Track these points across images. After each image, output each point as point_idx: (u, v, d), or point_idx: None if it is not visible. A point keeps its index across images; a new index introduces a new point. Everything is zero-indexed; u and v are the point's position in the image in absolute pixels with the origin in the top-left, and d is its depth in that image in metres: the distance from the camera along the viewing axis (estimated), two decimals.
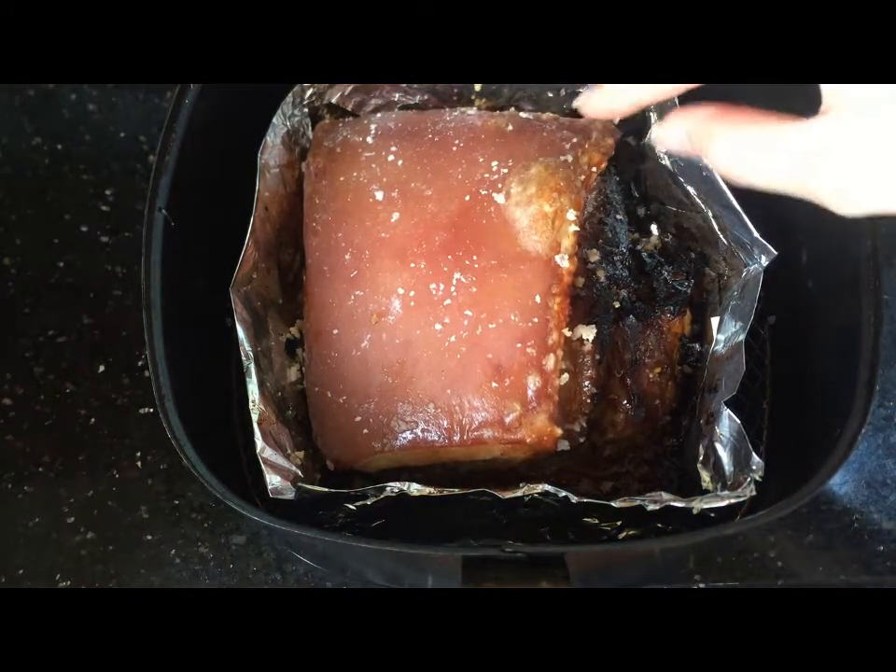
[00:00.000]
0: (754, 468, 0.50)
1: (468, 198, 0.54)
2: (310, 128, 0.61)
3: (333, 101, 0.62)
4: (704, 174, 0.56)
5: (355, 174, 0.56)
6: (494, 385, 0.51)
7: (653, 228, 0.60)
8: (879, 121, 0.35)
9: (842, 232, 0.52)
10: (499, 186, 0.54)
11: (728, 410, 0.52)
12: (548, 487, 0.51)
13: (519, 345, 0.51)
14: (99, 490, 0.63)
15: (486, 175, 0.54)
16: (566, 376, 0.53)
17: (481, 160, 0.55)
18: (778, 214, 0.55)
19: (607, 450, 0.57)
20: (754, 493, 0.50)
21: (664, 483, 0.55)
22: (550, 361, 0.51)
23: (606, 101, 0.45)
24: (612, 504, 0.50)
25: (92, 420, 0.65)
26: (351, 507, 0.54)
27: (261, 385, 0.53)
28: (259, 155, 0.56)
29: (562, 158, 0.55)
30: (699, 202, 0.58)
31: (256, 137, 0.57)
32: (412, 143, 0.57)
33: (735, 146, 0.39)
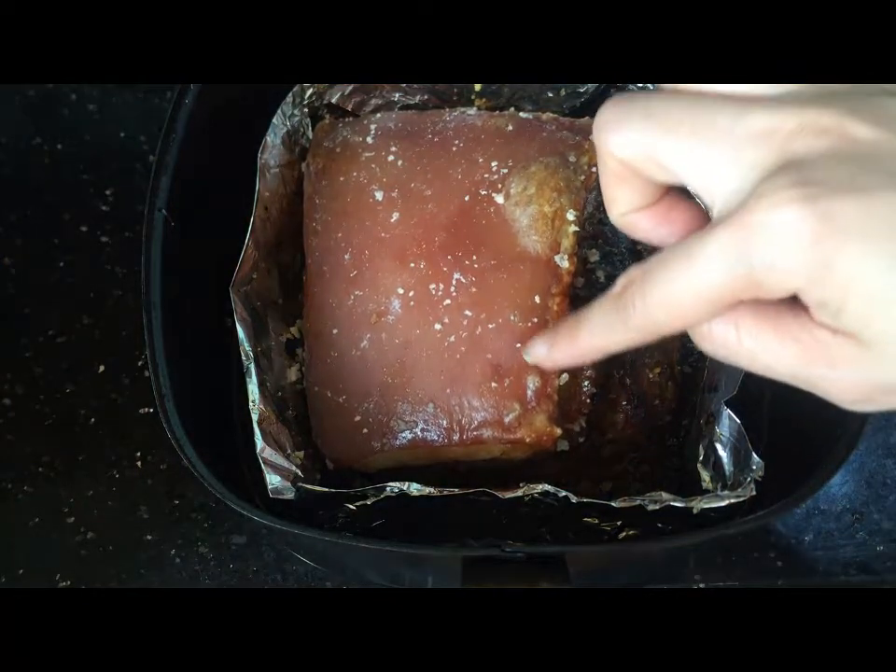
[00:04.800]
0: (754, 467, 0.50)
1: (467, 198, 0.54)
2: (310, 128, 0.61)
3: (333, 101, 0.62)
4: None
5: (354, 174, 0.56)
6: (493, 384, 0.51)
7: None
8: None
9: None
10: (499, 186, 0.54)
11: (728, 410, 0.52)
12: (548, 487, 0.51)
13: (518, 345, 0.51)
14: (99, 490, 0.63)
15: (486, 176, 0.54)
16: (565, 376, 0.53)
17: (480, 160, 0.55)
18: None
19: (607, 450, 0.57)
20: (754, 493, 0.50)
21: (664, 483, 0.55)
22: None
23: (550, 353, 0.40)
24: (612, 504, 0.50)
25: (92, 420, 0.65)
26: (351, 507, 0.54)
27: (261, 385, 0.53)
28: (258, 155, 0.56)
29: (562, 158, 0.55)
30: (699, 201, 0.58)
31: (256, 137, 0.57)
32: (411, 143, 0.57)
33: (728, 334, 0.33)
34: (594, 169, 0.56)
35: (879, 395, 0.32)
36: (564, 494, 0.51)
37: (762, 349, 0.33)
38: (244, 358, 0.53)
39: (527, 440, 0.51)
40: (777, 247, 0.30)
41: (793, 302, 0.32)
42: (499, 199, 0.54)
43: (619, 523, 0.55)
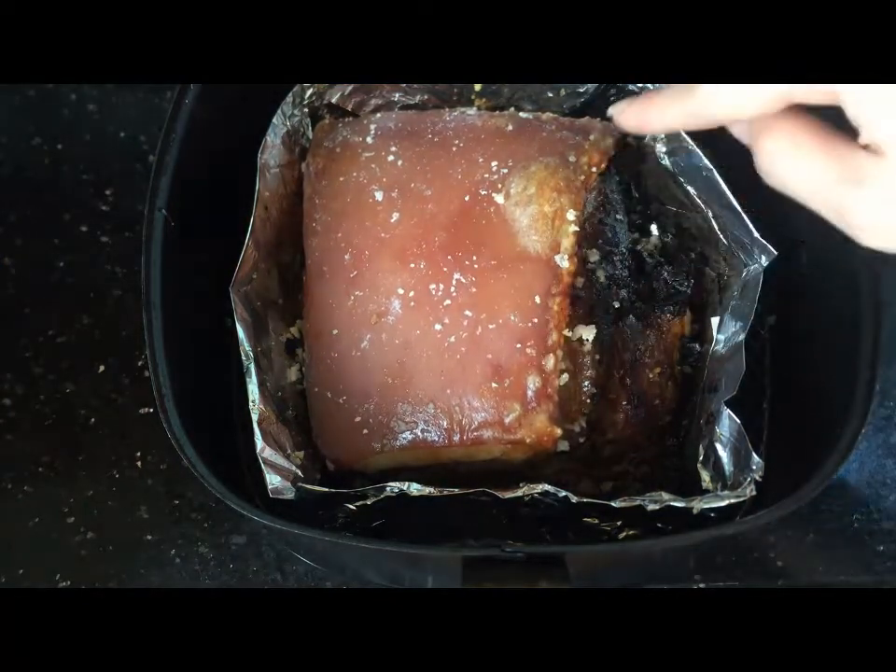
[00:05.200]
0: (754, 468, 0.50)
1: (467, 198, 0.54)
2: (310, 128, 0.61)
3: (333, 101, 0.62)
4: (704, 174, 0.56)
5: (354, 174, 0.56)
6: (493, 385, 0.51)
7: (653, 228, 0.60)
8: None
9: (842, 232, 0.52)
10: (499, 186, 0.54)
11: (728, 410, 0.52)
12: (548, 487, 0.51)
13: (519, 346, 0.51)
14: (99, 490, 0.63)
15: (486, 175, 0.54)
16: (565, 376, 0.53)
17: (480, 160, 0.55)
18: (778, 214, 0.55)
19: (607, 450, 0.57)
20: (754, 493, 0.50)
21: (664, 483, 0.55)
22: (549, 361, 0.51)
23: (643, 116, 0.43)
24: (612, 504, 0.50)
25: (92, 420, 0.65)
26: (351, 507, 0.54)
27: (261, 384, 0.53)
28: (258, 155, 0.56)
29: (562, 158, 0.55)
30: (699, 202, 0.58)
31: (256, 137, 0.57)
32: (411, 143, 0.57)
33: (787, 149, 0.38)
34: (593, 169, 0.56)
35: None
36: (564, 494, 0.51)
37: (809, 166, 0.37)
38: (244, 358, 0.53)
39: (528, 440, 0.51)
40: None
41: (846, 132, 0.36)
42: (499, 199, 0.54)
43: (619, 523, 0.55)
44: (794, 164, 0.38)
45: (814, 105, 0.37)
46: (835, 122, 0.37)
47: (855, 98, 0.35)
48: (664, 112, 0.41)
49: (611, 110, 0.45)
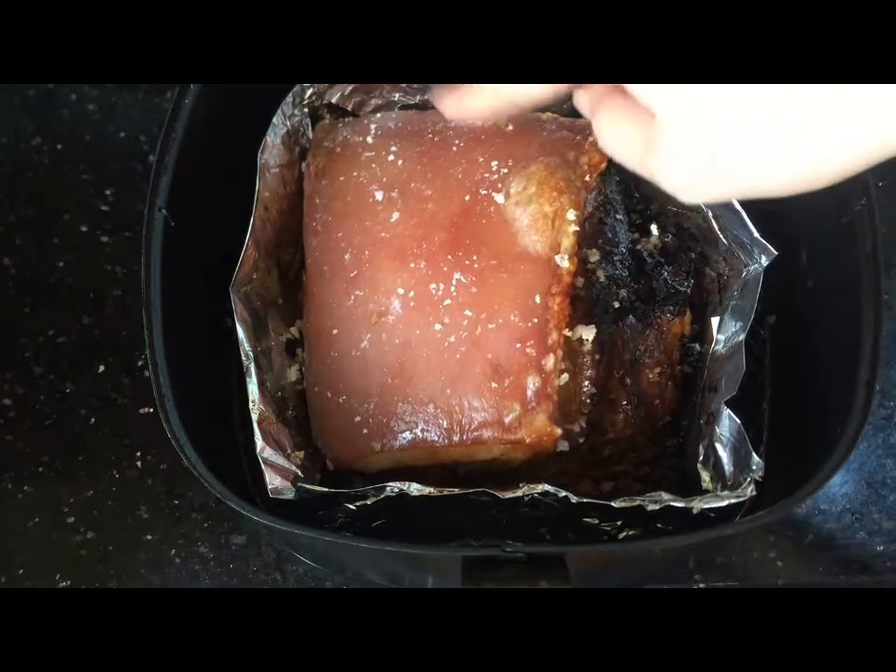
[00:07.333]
0: (754, 468, 0.50)
1: (467, 198, 0.54)
2: (310, 128, 0.61)
3: (333, 101, 0.62)
4: None
5: (355, 173, 0.56)
6: (493, 385, 0.51)
7: (653, 228, 0.60)
8: (692, 122, 0.37)
9: (842, 233, 0.52)
10: (499, 185, 0.54)
11: (728, 410, 0.52)
12: (548, 487, 0.51)
13: (518, 345, 0.51)
14: (99, 490, 0.63)
15: (486, 175, 0.54)
16: (565, 376, 0.53)
17: (480, 159, 0.55)
18: (778, 214, 0.55)
19: (607, 450, 0.57)
20: (754, 493, 0.50)
21: (664, 484, 0.55)
22: (549, 361, 0.51)
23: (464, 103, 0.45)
24: (612, 504, 0.50)
25: (92, 420, 0.65)
26: (351, 507, 0.54)
27: (261, 384, 0.53)
28: (258, 155, 0.56)
29: (562, 158, 0.55)
30: None
31: (256, 137, 0.57)
32: (412, 143, 0.57)
33: (608, 123, 0.41)
34: (594, 169, 0.56)
35: (687, 169, 0.38)
36: (564, 494, 0.51)
37: (624, 137, 0.41)
38: (244, 358, 0.53)
39: (528, 440, 0.51)
40: None
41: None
42: (499, 198, 0.54)
43: (619, 523, 0.55)
44: (614, 136, 0.41)
45: None
46: None
47: None
48: (476, 97, 0.45)
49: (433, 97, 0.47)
